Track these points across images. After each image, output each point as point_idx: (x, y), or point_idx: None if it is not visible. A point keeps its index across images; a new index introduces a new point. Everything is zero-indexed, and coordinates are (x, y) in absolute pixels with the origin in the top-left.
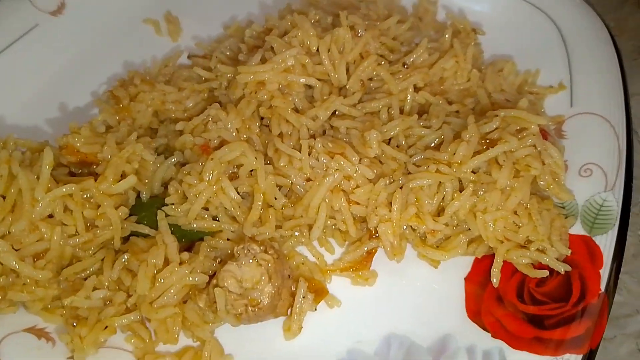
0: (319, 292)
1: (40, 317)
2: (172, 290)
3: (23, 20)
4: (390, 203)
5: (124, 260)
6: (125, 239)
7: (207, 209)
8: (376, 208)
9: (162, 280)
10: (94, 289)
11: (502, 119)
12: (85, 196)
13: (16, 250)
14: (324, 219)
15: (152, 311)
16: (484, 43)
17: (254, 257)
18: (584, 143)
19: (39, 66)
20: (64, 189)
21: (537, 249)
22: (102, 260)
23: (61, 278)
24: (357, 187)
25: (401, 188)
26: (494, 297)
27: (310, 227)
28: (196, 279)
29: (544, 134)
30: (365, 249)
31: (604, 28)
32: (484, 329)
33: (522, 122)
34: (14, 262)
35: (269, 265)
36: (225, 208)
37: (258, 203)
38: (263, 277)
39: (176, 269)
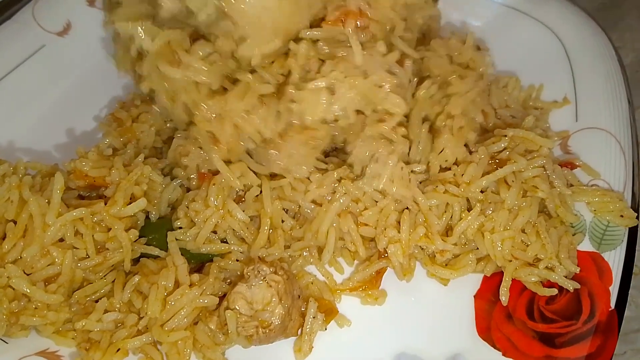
0: (329, 312)
1: (52, 341)
2: (182, 313)
3: (30, 41)
4: (399, 223)
5: (134, 282)
6: (135, 261)
7: (215, 232)
8: (385, 229)
9: (173, 303)
10: (105, 311)
11: (510, 139)
12: (95, 219)
13: (27, 275)
14: (333, 244)
15: (163, 334)
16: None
17: (264, 278)
18: (590, 158)
19: (46, 87)
20: (74, 213)
21: (546, 267)
22: (113, 282)
23: (72, 301)
24: (366, 209)
25: (408, 209)
26: (504, 315)
27: (318, 248)
28: (206, 301)
29: None
30: (375, 268)
31: (607, 41)
32: (495, 347)
33: (530, 143)
34: (26, 287)
35: (279, 286)
36: (234, 230)
37: (265, 227)
38: (273, 299)
39: (186, 291)
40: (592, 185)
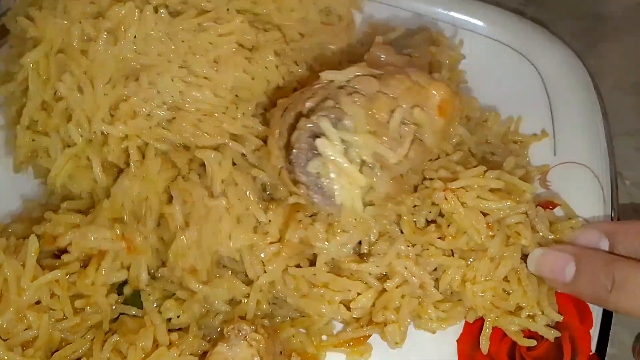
0: None
1: None
2: None
3: None
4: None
5: (112, 341)
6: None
7: None
8: (385, 309)
9: None
10: None
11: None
12: (71, 280)
13: (4, 341)
14: (322, 324)
15: None
16: (462, 89)
17: (245, 337)
18: (568, 194)
19: None
20: (50, 276)
21: (528, 315)
22: (92, 340)
23: None
24: (359, 294)
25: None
26: None
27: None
28: None
29: None
30: (365, 334)
31: (584, 72)
32: None
33: (512, 187)
34: (3, 354)
35: (260, 345)
36: None
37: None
38: (255, 358)
39: (165, 352)
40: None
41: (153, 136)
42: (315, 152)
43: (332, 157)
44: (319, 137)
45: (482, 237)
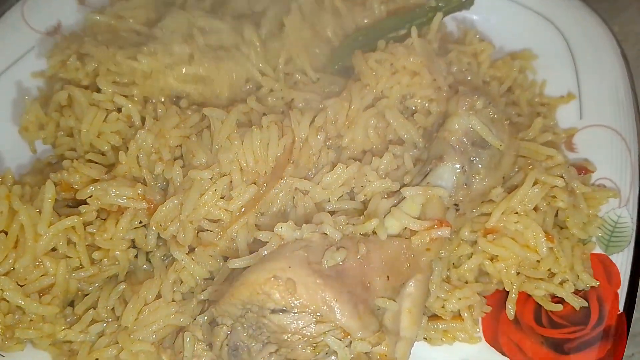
0: None
1: (48, 354)
2: (153, 327)
3: (19, 42)
4: None
5: (119, 290)
6: None
7: None
8: None
9: (147, 313)
10: (93, 321)
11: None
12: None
13: (21, 287)
14: None
15: (127, 341)
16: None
17: None
18: (595, 157)
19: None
20: (67, 222)
21: (561, 281)
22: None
23: (67, 313)
24: None
25: None
26: (511, 320)
27: None
28: (181, 320)
29: None
30: None
31: (610, 35)
32: (502, 353)
33: (539, 155)
34: (20, 300)
35: None
36: None
37: None
38: None
39: (163, 305)
40: (598, 185)
41: (175, 75)
42: None
43: None
44: None
45: (544, 250)
